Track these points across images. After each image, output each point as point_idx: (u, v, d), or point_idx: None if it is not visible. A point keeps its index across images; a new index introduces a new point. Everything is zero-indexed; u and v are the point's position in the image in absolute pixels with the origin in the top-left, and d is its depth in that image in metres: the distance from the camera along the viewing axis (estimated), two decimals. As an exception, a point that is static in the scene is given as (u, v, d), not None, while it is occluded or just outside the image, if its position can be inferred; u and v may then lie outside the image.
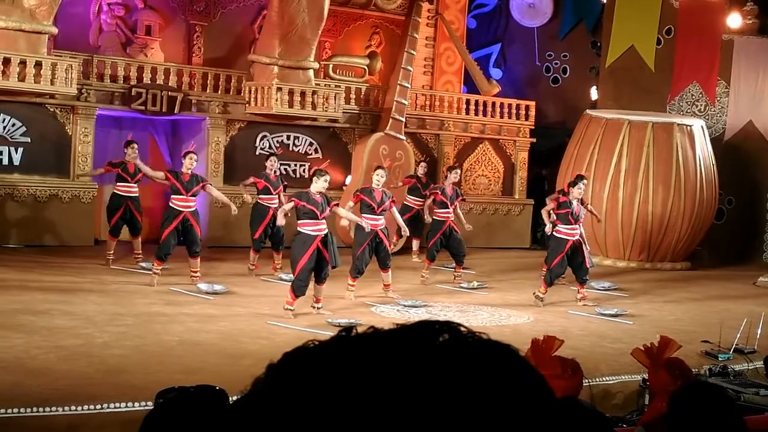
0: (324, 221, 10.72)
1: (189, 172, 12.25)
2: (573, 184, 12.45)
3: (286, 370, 0.87)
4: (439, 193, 14.00)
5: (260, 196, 13.68)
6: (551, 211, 12.65)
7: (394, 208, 12.52)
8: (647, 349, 5.17)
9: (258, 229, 13.41)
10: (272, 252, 13.60)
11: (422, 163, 15.88)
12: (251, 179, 13.79)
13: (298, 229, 10.66)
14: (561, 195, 12.67)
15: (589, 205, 13.05)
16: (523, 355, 0.91)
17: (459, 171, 15.24)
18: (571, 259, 12.32)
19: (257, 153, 16.81)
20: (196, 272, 12.38)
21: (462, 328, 0.88)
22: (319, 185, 10.65)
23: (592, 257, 16.74)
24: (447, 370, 0.83)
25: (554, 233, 12.40)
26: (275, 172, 13.88)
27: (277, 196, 13.56)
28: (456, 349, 0.86)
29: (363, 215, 11.96)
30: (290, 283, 10.78)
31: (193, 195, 12.29)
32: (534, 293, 12.37)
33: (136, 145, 13.61)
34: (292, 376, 0.85)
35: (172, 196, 12.22)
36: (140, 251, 13.67)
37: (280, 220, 11.44)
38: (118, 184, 13.57)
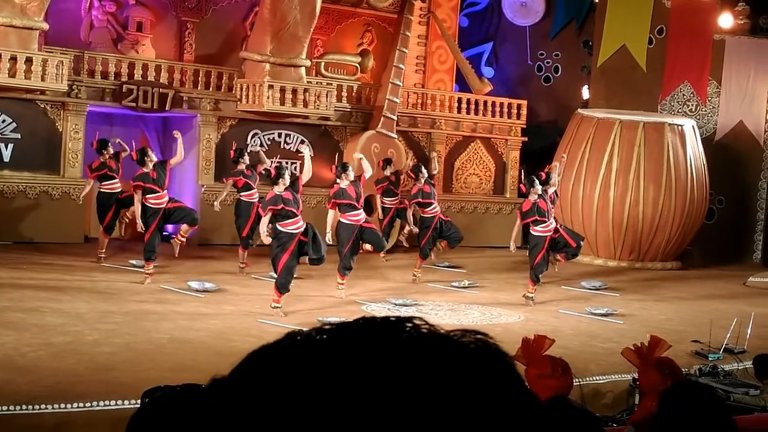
0: (300, 216, 10.73)
1: (152, 166, 12.12)
2: (530, 184, 12.39)
3: (250, 375, 0.84)
4: (420, 197, 13.94)
5: (242, 193, 13.61)
6: (519, 225, 12.63)
7: (363, 175, 12.47)
8: (637, 348, 5.17)
9: (245, 227, 13.34)
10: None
11: (388, 166, 15.70)
12: (230, 181, 13.75)
13: (279, 228, 10.60)
14: (522, 205, 12.57)
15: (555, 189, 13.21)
16: (490, 346, 0.84)
17: (432, 163, 16.13)
18: (554, 248, 12.40)
19: (248, 150, 16.74)
20: (184, 236, 12.46)
21: (407, 324, 0.84)
22: (285, 184, 10.67)
23: (584, 256, 16.88)
24: (405, 367, 0.79)
25: (531, 232, 12.45)
26: (247, 166, 13.76)
27: (257, 190, 13.49)
28: (402, 346, 0.82)
29: (346, 215, 11.94)
30: (274, 282, 10.78)
31: (166, 188, 12.24)
32: (524, 295, 12.38)
33: (109, 143, 13.51)
34: (257, 379, 0.83)
35: (147, 196, 12.03)
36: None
37: (266, 240, 10.98)
38: (103, 183, 13.46)
